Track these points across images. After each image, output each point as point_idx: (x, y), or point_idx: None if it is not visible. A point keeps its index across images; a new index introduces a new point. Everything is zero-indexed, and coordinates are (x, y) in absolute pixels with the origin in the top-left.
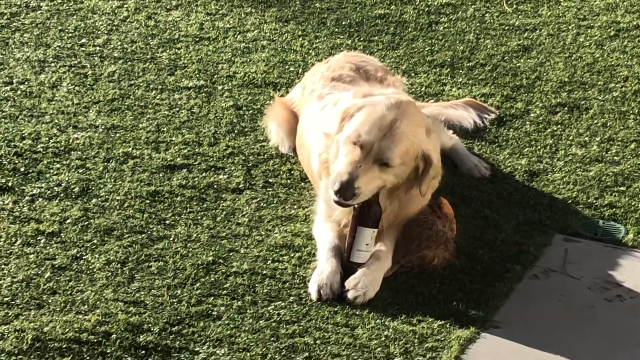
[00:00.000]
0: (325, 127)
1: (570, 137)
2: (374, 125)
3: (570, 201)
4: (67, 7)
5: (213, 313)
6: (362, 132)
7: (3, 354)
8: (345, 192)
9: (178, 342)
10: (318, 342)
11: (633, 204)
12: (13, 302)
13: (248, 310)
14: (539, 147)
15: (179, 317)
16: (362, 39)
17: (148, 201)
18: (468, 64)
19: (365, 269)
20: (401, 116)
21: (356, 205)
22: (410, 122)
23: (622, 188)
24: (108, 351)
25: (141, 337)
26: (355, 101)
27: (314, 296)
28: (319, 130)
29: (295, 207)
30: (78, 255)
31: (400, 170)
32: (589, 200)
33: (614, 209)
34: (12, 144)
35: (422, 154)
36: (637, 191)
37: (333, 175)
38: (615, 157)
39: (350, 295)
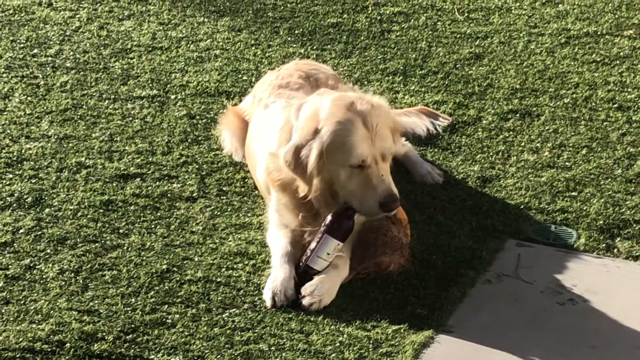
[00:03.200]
0: (269, 145)
1: (522, 144)
2: (363, 139)
3: (522, 206)
4: (19, 18)
5: (167, 321)
6: (358, 154)
7: None
8: (397, 203)
9: (132, 350)
10: (273, 348)
11: (584, 208)
12: None
13: (202, 318)
14: (491, 154)
15: (133, 326)
16: (315, 47)
17: (101, 210)
18: (420, 72)
19: (323, 277)
20: (366, 111)
21: (330, 216)
22: (374, 110)
23: (573, 193)
24: None
25: (95, 345)
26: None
27: (268, 303)
28: (263, 142)
29: (249, 214)
30: (31, 264)
31: (395, 147)
32: (541, 206)
33: (565, 214)
34: None
35: (394, 123)
36: (588, 196)
37: (374, 192)
38: (567, 163)
39: (305, 301)
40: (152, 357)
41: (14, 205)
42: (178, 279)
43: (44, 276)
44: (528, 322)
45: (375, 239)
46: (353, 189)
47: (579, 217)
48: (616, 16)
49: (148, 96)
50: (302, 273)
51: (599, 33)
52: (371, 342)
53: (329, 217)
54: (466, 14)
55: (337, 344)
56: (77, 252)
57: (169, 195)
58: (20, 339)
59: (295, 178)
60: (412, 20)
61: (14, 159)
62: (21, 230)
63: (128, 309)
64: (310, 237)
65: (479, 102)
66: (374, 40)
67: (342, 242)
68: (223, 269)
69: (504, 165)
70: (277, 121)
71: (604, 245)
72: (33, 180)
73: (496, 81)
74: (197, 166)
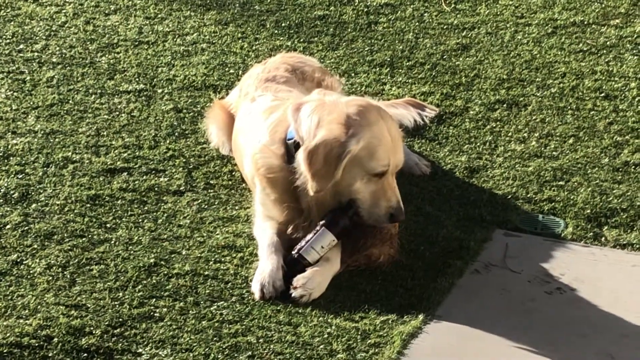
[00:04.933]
0: (259, 140)
1: (509, 134)
2: (389, 149)
3: (510, 196)
4: (5, 13)
5: (155, 314)
6: (384, 163)
7: None
8: (403, 216)
9: (120, 345)
10: (261, 340)
11: (572, 198)
12: None
13: (190, 311)
14: (478, 144)
15: (120, 320)
16: (301, 40)
17: (88, 205)
18: (407, 63)
19: (315, 269)
20: (390, 122)
21: (334, 212)
22: (394, 121)
23: (560, 183)
24: (50, 355)
25: (83, 340)
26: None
27: (257, 295)
28: (251, 137)
29: (236, 208)
30: (18, 260)
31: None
32: (528, 195)
33: (553, 204)
34: None
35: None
36: (575, 185)
37: (387, 202)
38: (554, 152)
39: (296, 293)
40: (140, 350)
41: (1, 200)
42: (166, 272)
43: (31, 271)
44: (516, 312)
45: (365, 231)
46: (367, 196)
47: (567, 206)
48: (602, 5)
49: (135, 90)
50: (293, 262)
51: (585, 23)
52: (359, 333)
53: (329, 214)
54: (453, 5)
55: (325, 336)
56: (65, 247)
57: (156, 189)
58: (8, 334)
59: (288, 174)
60: (399, 12)
61: (0, 154)
62: (8, 226)
63: (116, 303)
64: (295, 230)
65: (466, 92)
66: (360, 32)
67: (337, 240)
68: (211, 262)
69: (491, 156)
70: (265, 118)
71: (591, 234)
72: (20, 176)
73: (483, 72)
74: (184, 160)
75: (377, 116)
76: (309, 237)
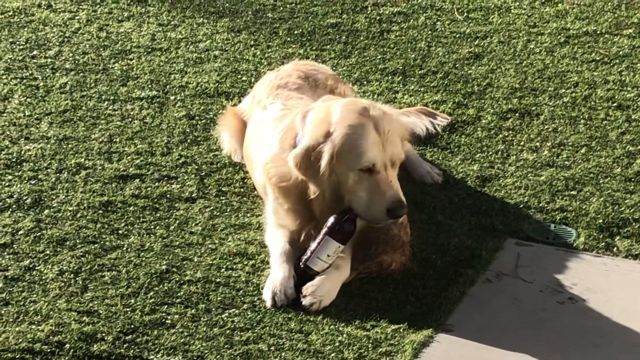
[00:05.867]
0: (270, 149)
1: (522, 143)
2: (374, 143)
3: (522, 206)
4: (18, 20)
5: (167, 321)
6: (368, 158)
7: None
8: (404, 209)
9: (132, 351)
10: (272, 348)
11: (584, 207)
12: None
13: (202, 318)
14: (490, 153)
15: (132, 326)
16: (314, 48)
17: (101, 211)
18: (420, 72)
19: (324, 277)
20: (378, 117)
21: (332, 218)
22: (386, 116)
23: (573, 192)
24: None
25: (95, 346)
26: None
27: (268, 303)
28: (262, 146)
29: (248, 215)
30: (31, 266)
31: (403, 155)
32: (540, 205)
33: (565, 213)
34: None
35: (404, 132)
36: (587, 195)
37: (382, 198)
38: (566, 162)
39: (306, 301)
40: (152, 357)
41: (14, 206)
42: (177, 279)
43: (43, 277)
44: (528, 321)
45: (377, 238)
46: (361, 194)
47: (579, 216)
48: (615, 15)
49: (147, 97)
50: (302, 273)
51: (598, 32)
52: (371, 341)
53: (331, 219)
54: (465, 14)
55: (337, 344)
56: (77, 253)
57: (168, 196)
58: (20, 340)
59: (300, 182)
60: (412, 20)
61: (14, 160)
62: (20, 232)
63: (127, 309)
64: (307, 238)
65: (478, 101)
66: (373, 40)
67: (342, 245)
68: (222, 270)
69: (503, 165)
70: (276, 126)
71: (603, 244)
72: (32, 182)
73: (495, 80)
74: (196, 167)
75: (361, 114)
76: (313, 246)
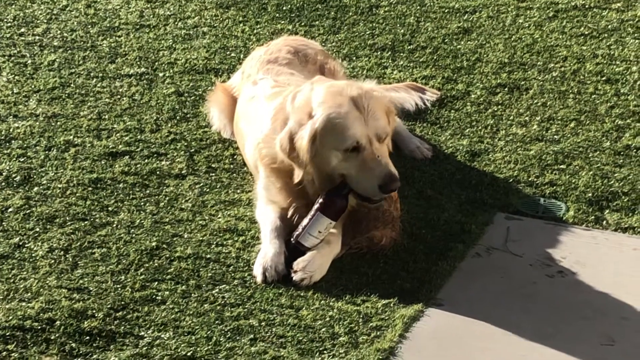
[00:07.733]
0: (262, 129)
1: (511, 117)
2: (355, 120)
3: (511, 180)
4: None
5: (157, 298)
6: (351, 135)
7: None
8: (396, 183)
9: (122, 327)
10: (263, 324)
11: (573, 181)
12: None
13: (192, 294)
14: (479, 128)
15: (123, 303)
16: (303, 23)
17: (90, 188)
18: (409, 47)
19: (315, 252)
20: (356, 94)
21: (324, 195)
22: (365, 92)
23: (562, 166)
24: (52, 337)
25: (85, 323)
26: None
27: (259, 279)
28: (254, 125)
29: (238, 191)
30: (20, 243)
31: (390, 128)
32: (529, 179)
33: (554, 187)
34: None
35: (387, 105)
36: (576, 169)
37: (372, 175)
38: (555, 136)
39: (297, 277)
40: (143, 333)
41: (3, 184)
42: (168, 255)
43: (33, 254)
44: (518, 295)
45: (367, 213)
46: (350, 173)
47: (568, 190)
48: None
49: (136, 74)
50: (293, 248)
51: (587, 6)
52: (361, 316)
53: (323, 196)
54: None
55: (327, 319)
56: (67, 230)
57: (157, 172)
58: (10, 317)
59: (291, 164)
60: None
61: (2, 138)
62: (10, 209)
63: (118, 286)
64: (298, 214)
65: (468, 76)
66: (362, 15)
67: (334, 221)
68: (213, 246)
69: (492, 139)
70: (268, 104)
71: (592, 217)
72: (21, 159)
73: (484, 55)
74: (185, 143)
75: (339, 94)
76: (304, 222)
